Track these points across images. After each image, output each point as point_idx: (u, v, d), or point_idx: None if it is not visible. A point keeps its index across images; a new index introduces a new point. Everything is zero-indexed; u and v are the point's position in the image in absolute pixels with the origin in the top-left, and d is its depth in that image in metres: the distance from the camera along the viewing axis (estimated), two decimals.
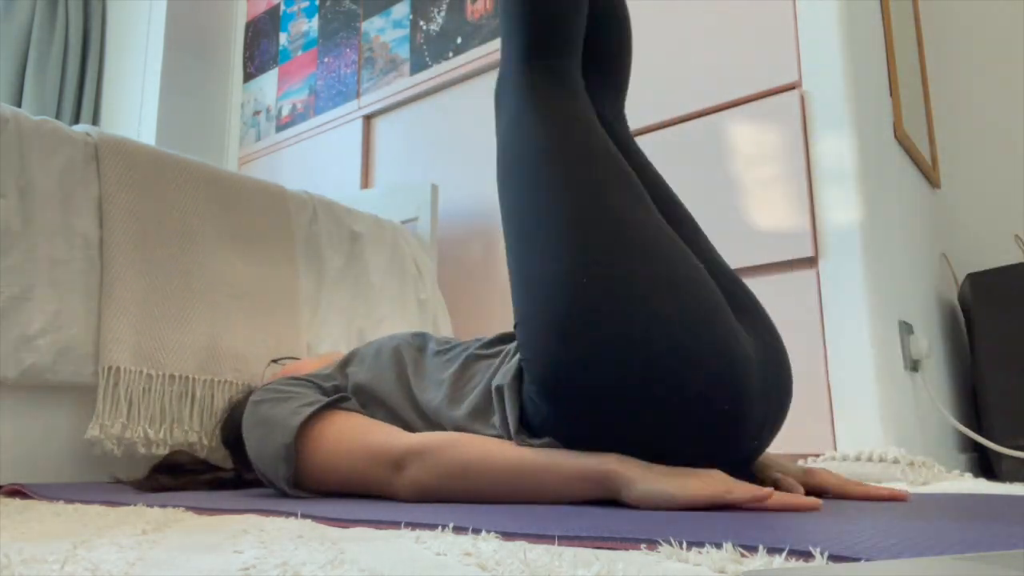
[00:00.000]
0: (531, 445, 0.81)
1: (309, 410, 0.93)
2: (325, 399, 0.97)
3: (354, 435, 0.91)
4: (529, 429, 0.83)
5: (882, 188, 1.62)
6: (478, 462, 0.81)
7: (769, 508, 0.68)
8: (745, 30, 1.69)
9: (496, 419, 0.86)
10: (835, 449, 1.40)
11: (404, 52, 2.44)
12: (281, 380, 1.04)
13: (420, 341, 1.06)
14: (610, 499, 0.75)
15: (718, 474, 0.71)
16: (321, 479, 0.93)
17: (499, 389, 0.85)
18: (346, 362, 1.09)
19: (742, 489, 0.67)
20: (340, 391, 1.03)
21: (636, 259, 0.75)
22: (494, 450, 0.81)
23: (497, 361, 0.93)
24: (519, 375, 0.84)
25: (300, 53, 2.86)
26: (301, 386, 1.01)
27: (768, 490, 0.67)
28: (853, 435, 1.38)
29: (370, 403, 1.01)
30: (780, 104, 1.60)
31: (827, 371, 1.43)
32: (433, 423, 0.95)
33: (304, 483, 0.94)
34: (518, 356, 0.85)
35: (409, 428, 0.97)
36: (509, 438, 0.83)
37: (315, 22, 2.83)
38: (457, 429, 0.91)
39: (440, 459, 0.83)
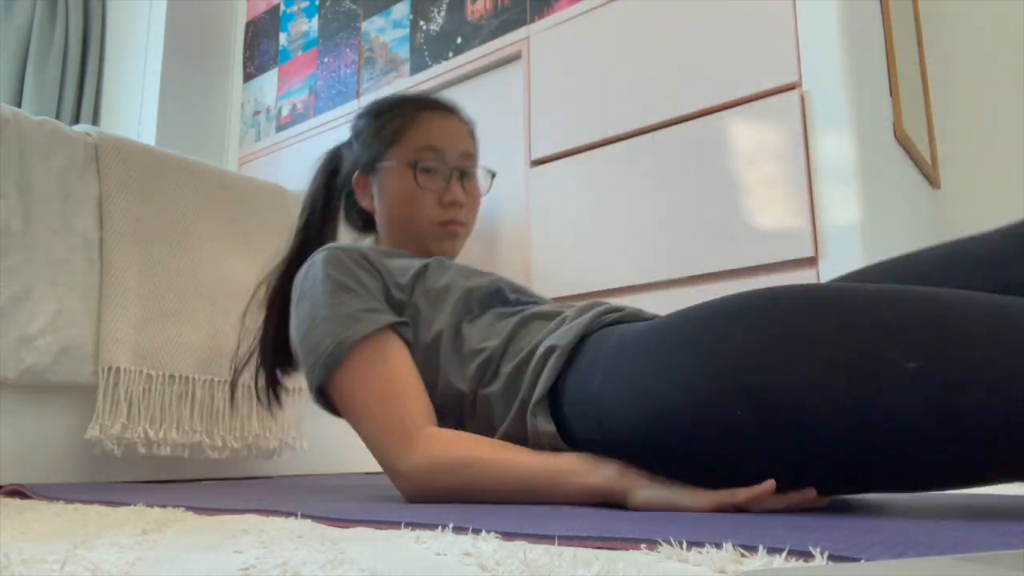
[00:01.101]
0: (536, 426, 0.80)
1: (370, 325, 0.86)
2: (387, 317, 0.88)
3: (383, 388, 0.85)
4: (553, 398, 0.80)
5: (882, 188, 1.62)
6: (486, 476, 0.79)
7: (776, 509, 0.66)
8: (745, 30, 1.69)
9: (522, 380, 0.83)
10: None
11: (404, 52, 2.44)
12: (363, 251, 0.95)
13: (492, 286, 0.97)
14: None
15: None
16: (338, 403, 0.89)
17: (550, 349, 0.82)
18: (422, 273, 0.97)
19: (745, 491, 0.66)
20: (403, 306, 0.94)
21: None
22: (503, 460, 0.79)
23: (552, 324, 0.87)
24: (572, 349, 0.81)
25: (300, 53, 2.87)
26: (373, 278, 0.93)
27: (767, 485, 0.64)
28: None
29: (416, 336, 0.93)
30: (780, 104, 1.60)
31: None
32: (467, 380, 0.89)
33: (327, 392, 0.90)
34: (580, 324, 0.82)
35: (443, 380, 0.90)
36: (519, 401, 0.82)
37: (315, 22, 2.83)
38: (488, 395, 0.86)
39: (443, 466, 0.81)
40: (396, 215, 1.05)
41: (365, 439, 0.87)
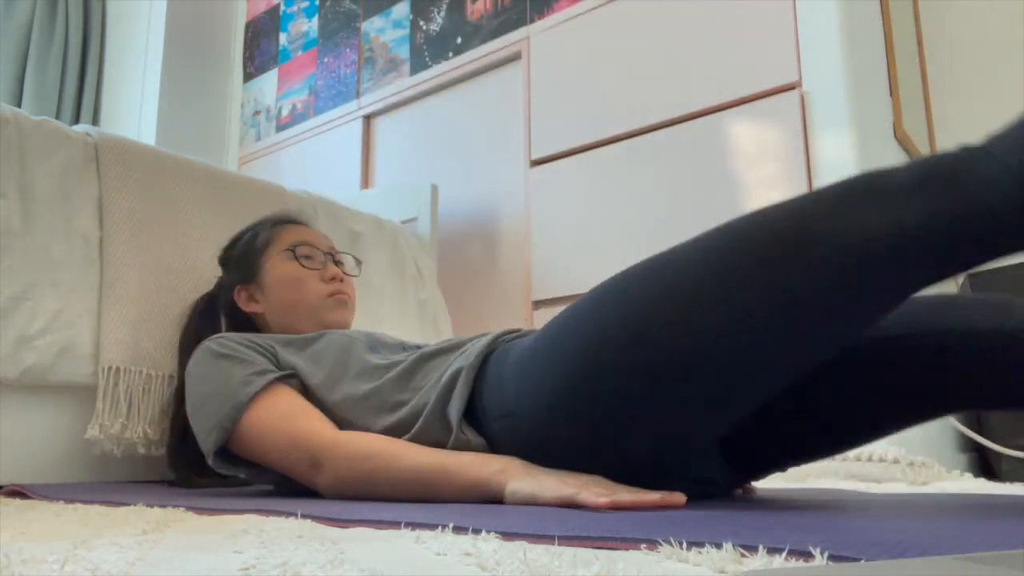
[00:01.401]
0: (467, 439, 0.84)
1: (260, 382, 0.95)
2: (274, 373, 0.97)
3: (283, 418, 0.93)
4: (474, 419, 0.85)
5: None
6: (382, 464, 0.84)
7: (622, 506, 0.69)
8: (745, 30, 1.69)
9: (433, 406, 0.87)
10: None
11: (404, 52, 2.45)
12: (240, 338, 1.04)
13: (368, 339, 1.05)
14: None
15: (596, 478, 0.74)
16: (246, 451, 0.96)
17: (458, 372, 0.87)
18: (310, 338, 1.08)
19: (590, 492, 0.69)
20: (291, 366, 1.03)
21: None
22: (395, 453, 0.84)
23: (453, 356, 0.93)
24: (481, 364, 0.86)
25: (300, 53, 2.87)
26: (255, 351, 1.01)
27: (604, 500, 0.67)
28: None
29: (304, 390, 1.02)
30: (780, 104, 1.60)
31: None
32: (361, 411, 0.95)
33: (231, 448, 0.97)
34: (481, 345, 0.87)
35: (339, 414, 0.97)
36: (446, 424, 0.85)
37: (315, 22, 2.83)
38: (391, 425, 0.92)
39: (346, 459, 0.87)
40: (287, 299, 1.16)
41: (283, 468, 0.94)
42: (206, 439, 0.96)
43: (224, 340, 1.02)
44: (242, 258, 1.22)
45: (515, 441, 0.81)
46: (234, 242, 1.28)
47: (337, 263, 1.23)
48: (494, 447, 0.84)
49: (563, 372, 0.75)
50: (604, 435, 0.75)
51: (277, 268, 1.17)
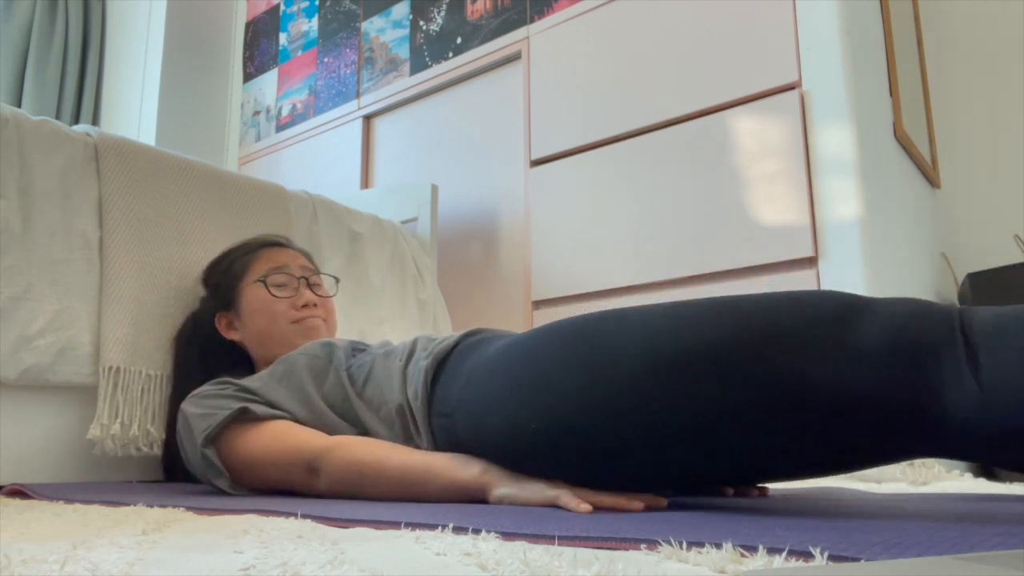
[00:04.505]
0: (417, 439, 0.89)
1: (217, 421, 0.97)
2: (233, 409, 0.98)
3: (272, 440, 0.96)
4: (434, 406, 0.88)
5: (882, 188, 1.62)
6: (371, 466, 0.87)
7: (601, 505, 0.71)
8: (745, 30, 1.69)
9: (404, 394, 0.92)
10: None
11: (404, 52, 2.45)
12: (217, 380, 1.07)
13: (327, 351, 1.06)
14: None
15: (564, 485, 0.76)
16: (251, 480, 0.98)
17: (419, 367, 0.91)
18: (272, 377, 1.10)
19: (569, 498, 0.70)
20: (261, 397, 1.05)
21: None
22: (382, 455, 0.87)
23: (403, 351, 0.97)
24: (437, 365, 0.89)
25: (300, 53, 2.87)
26: (223, 394, 1.03)
27: (586, 507, 0.69)
28: None
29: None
30: (780, 104, 1.60)
31: None
32: (351, 421, 0.99)
33: (239, 483, 0.99)
34: (433, 351, 0.91)
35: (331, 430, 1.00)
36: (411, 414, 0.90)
37: (315, 22, 2.83)
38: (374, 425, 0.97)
39: (339, 463, 0.89)
40: (260, 327, 1.19)
41: (283, 480, 0.96)
42: (210, 482, 0.98)
43: (197, 396, 1.03)
44: (220, 286, 1.26)
45: (449, 441, 0.85)
46: (213, 267, 1.30)
47: (313, 285, 1.24)
48: (435, 443, 0.88)
49: (504, 409, 0.75)
50: (529, 472, 0.77)
51: (250, 297, 1.21)
